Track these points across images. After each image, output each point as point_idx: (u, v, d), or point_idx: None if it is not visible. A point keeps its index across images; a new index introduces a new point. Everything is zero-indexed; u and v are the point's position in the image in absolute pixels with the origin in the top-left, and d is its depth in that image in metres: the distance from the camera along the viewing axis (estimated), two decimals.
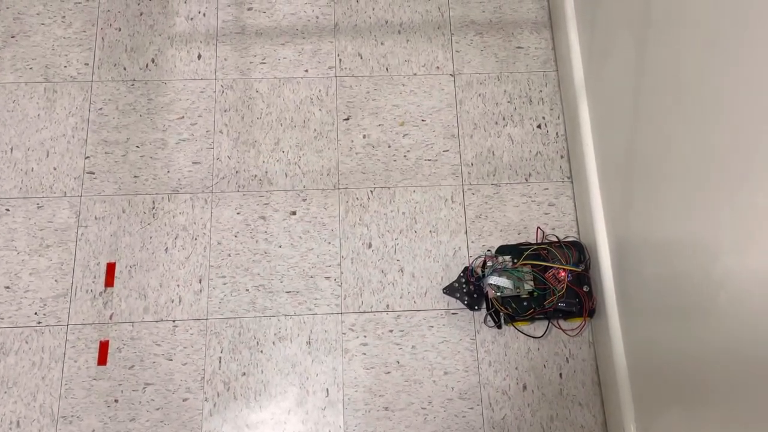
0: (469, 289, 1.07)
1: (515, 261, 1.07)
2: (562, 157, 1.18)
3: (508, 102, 1.21)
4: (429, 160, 1.17)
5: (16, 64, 1.21)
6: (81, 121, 1.18)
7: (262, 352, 1.06)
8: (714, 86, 0.71)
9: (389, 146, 1.18)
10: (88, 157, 1.16)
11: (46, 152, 1.15)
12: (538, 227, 1.13)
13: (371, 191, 1.15)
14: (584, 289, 1.05)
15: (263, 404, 1.03)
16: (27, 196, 1.13)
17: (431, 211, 1.14)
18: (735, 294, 0.69)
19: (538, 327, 1.07)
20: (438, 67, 1.23)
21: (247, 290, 1.09)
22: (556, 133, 1.19)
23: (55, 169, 1.15)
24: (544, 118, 1.20)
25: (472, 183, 1.16)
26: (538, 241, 1.11)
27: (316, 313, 1.08)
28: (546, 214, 1.14)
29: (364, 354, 1.06)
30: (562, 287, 1.04)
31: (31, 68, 1.21)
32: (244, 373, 1.05)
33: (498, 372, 1.06)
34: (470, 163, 1.17)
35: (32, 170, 1.14)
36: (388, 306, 1.09)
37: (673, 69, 0.80)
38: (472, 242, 1.12)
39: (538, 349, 1.07)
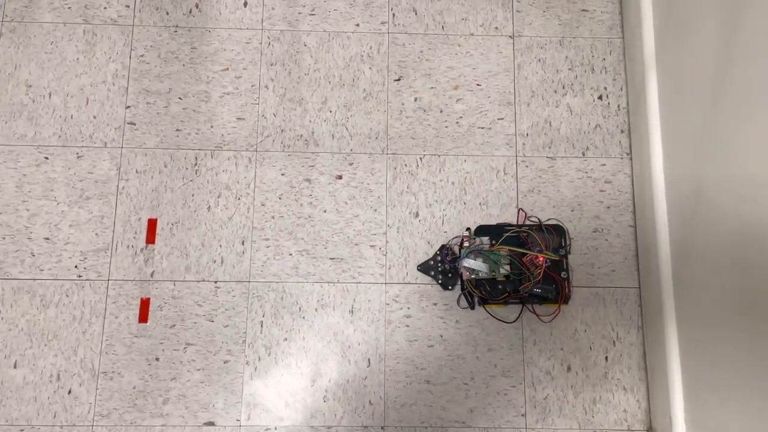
0: (444, 268, 1.04)
1: (493, 243, 1.03)
2: (622, 131, 1.12)
3: (569, 69, 1.15)
4: (482, 127, 1.12)
5: (53, 3, 1.15)
6: (122, 67, 1.13)
7: (304, 318, 1.04)
8: None
9: (441, 111, 1.13)
10: (129, 106, 1.11)
11: (85, 99, 1.11)
12: (520, 209, 1.08)
13: (420, 158, 1.11)
14: (561, 276, 1.02)
15: (304, 371, 1.02)
16: (66, 145, 1.09)
17: (482, 182, 1.10)
18: None
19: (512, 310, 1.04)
20: (497, 28, 1.16)
21: (290, 254, 1.06)
22: (618, 106, 1.13)
23: (95, 117, 1.11)
24: (605, 88, 1.14)
25: (527, 155, 1.11)
26: (519, 223, 1.07)
27: (360, 282, 1.05)
28: (601, 191, 1.10)
29: (407, 326, 1.04)
30: (539, 273, 1.00)
31: (69, 8, 1.15)
32: (286, 339, 1.03)
33: (543, 351, 1.04)
34: (525, 134, 1.12)
35: (71, 117, 1.10)
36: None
37: (765, 46, 0.74)
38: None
39: (585, 330, 1.05)
